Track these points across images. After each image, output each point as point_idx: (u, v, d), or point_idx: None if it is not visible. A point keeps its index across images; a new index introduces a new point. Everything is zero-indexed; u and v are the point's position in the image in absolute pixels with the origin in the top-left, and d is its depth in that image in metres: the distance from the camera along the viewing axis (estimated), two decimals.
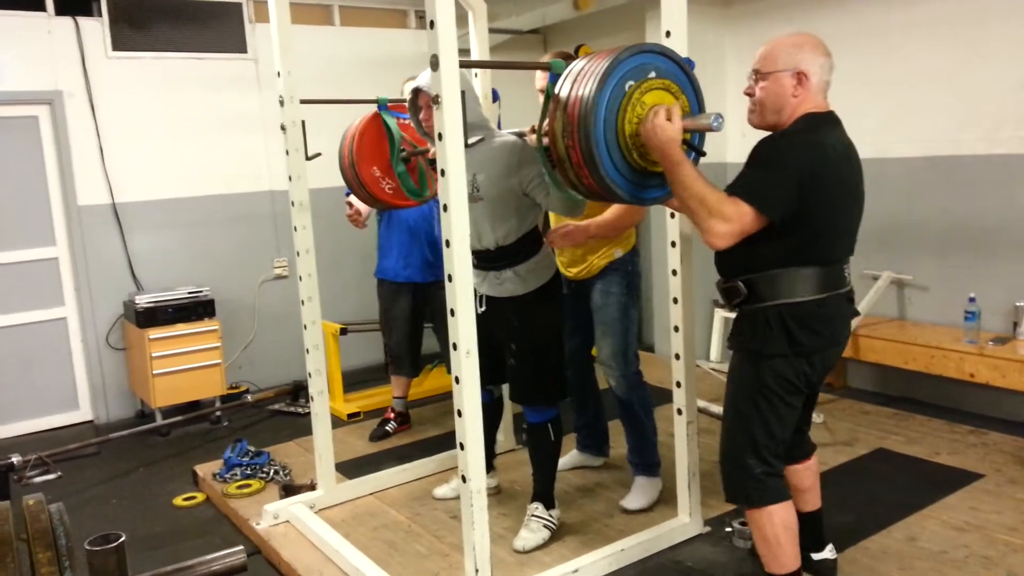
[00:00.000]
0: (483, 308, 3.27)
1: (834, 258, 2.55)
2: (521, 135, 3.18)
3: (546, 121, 2.62)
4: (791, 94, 2.51)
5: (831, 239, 2.53)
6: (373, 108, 3.95)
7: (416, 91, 3.15)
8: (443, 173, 2.37)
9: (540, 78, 3.53)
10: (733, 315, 2.72)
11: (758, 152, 2.50)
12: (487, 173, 3.09)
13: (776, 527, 2.56)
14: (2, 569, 1.29)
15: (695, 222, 2.47)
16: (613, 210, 3.34)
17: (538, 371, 3.30)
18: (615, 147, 2.49)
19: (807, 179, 2.39)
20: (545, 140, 2.82)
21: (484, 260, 3.22)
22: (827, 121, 2.53)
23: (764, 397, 2.54)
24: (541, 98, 3.47)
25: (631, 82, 2.49)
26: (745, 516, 2.70)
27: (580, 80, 2.50)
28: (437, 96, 2.31)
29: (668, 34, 2.94)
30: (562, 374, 3.38)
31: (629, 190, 2.57)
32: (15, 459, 4.10)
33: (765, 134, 2.59)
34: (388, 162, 4.00)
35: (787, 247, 2.46)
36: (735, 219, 2.37)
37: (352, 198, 4.29)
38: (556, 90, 2.58)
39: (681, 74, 2.62)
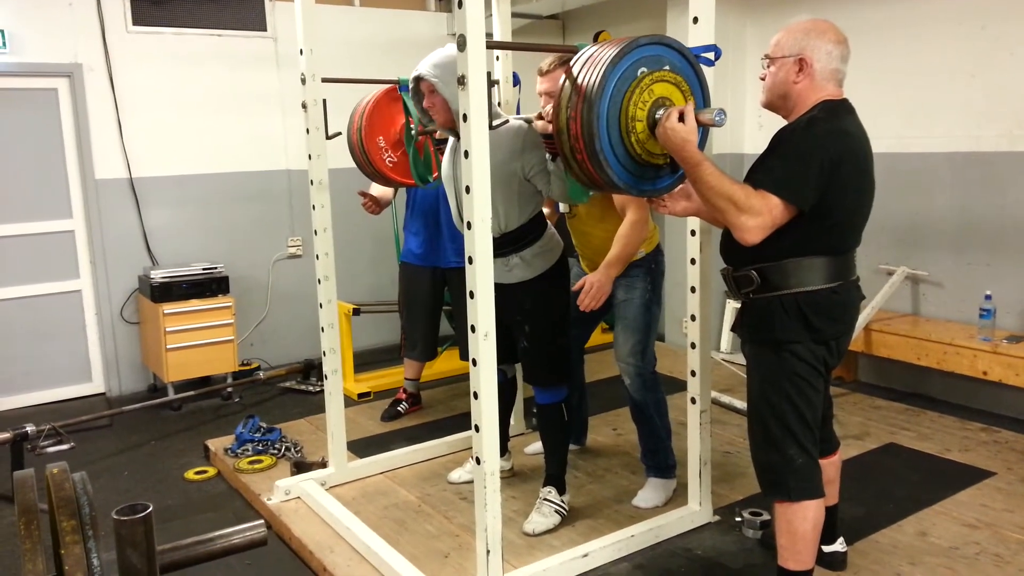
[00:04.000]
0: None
1: (847, 247, 2.55)
2: (528, 121, 3.17)
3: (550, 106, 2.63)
4: (792, 80, 2.51)
5: (847, 229, 2.52)
6: (379, 89, 3.95)
7: (417, 79, 3.09)
8: (467, 155, 2.36)
9: (539, 82, 3.51)
10: (738, 304, 2.70)
11: (780, 141, 2.48)
12: (492, 157, 3.06)
13: (807, 523, 2.52)
14: (27, 537, 1.29)
15: (724, 220, 2.45)
16: (619, 239, 3.32)
17: (551, 352, 3.32)
18: (615, 126, 2.48)
19: (831, 168, 2.37)
20: (540, 124, 2.82)
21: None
22: (844, 109, 2.51)
23: (792, 384, 2.51)
24: (541, 103, 3.48)
25: (644, 68, 2.49)
26: (775, 508, 2.63)
27: (594, 57, 2.50)
28: (463, 77, 2.30)
29: (695, 20, 2.92)
30: (565, 355, 3.39)
31: (637, 184, 2.59)
32: (29, 429, 4.12)
33: (781, 120, 2.59)
34: (394, 137, 4.02)
35: (804, 236, 2.44)
36: (765, 212, 2.36)
37: (372, 187, 4.31)
38: (571, 63, 2.57)
39: (694, 76, 2.63)
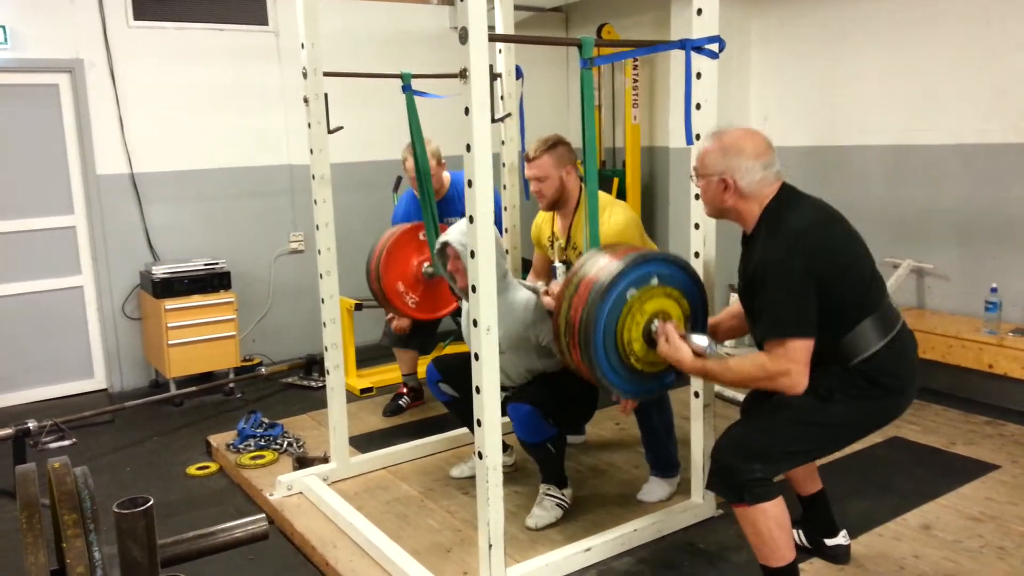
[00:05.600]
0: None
1: (879, 299, 2.55)
2: (535, 291, 3.29)
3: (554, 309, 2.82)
4: (721, 198, 2.59)
5: (864, 292, 2.52)
6: (397, 230, 4.18)
7: (444, 244, 3.26)
8: (468, 148, 2.35)
9: (527, 167, 3.50)
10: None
11: (765, 275, 2.47)
12: (504, 327, 3.09)
13: (769, 522, 2.50)
14: (29, 530, 1.29)
15: (766, 390, 2.53)
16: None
17: (556, 388, 3.29)
18: (613, 351, 2.66)
19: (808, 273, 2.40)
20: (548, 300, 3.12)
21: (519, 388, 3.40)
22: (784, 205, 2.54)
23: (821, 431, 2.52)
24: (531, 185, 3.50)
25: (633, 291, 2.64)
26: (734, 511, 2.59)
27: (586, 280, 2.66)
28: (465, 70, 2.29)
29: (699, 11, 2.90)
30: (567, 417, 3.36)
31: (623, 387, 2.76)
32: (31, 424, 4.12)
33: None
34: (413, 277, 4.27)
35: (836, 325, 2.46)
36: (791, 364, 2.40)
37: None
38: (565, 279, 2.79)
39: (685, 278, 2.78)
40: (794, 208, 2.54)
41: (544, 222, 3.78)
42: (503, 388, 3.22)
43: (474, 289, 2.42)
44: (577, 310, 2.64)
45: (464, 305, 3.49)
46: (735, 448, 2.55)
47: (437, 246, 3.33)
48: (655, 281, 2.68)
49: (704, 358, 2.62)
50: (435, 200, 3.81)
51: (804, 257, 2.41)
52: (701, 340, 2.63)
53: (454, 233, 3.23)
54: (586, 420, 3.67)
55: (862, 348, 2.47)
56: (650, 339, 2.69)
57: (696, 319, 2.81)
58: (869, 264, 2.57)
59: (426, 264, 4.21)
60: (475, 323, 2.44)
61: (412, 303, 4.27)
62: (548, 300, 3.20)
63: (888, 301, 2.59)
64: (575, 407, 3.39)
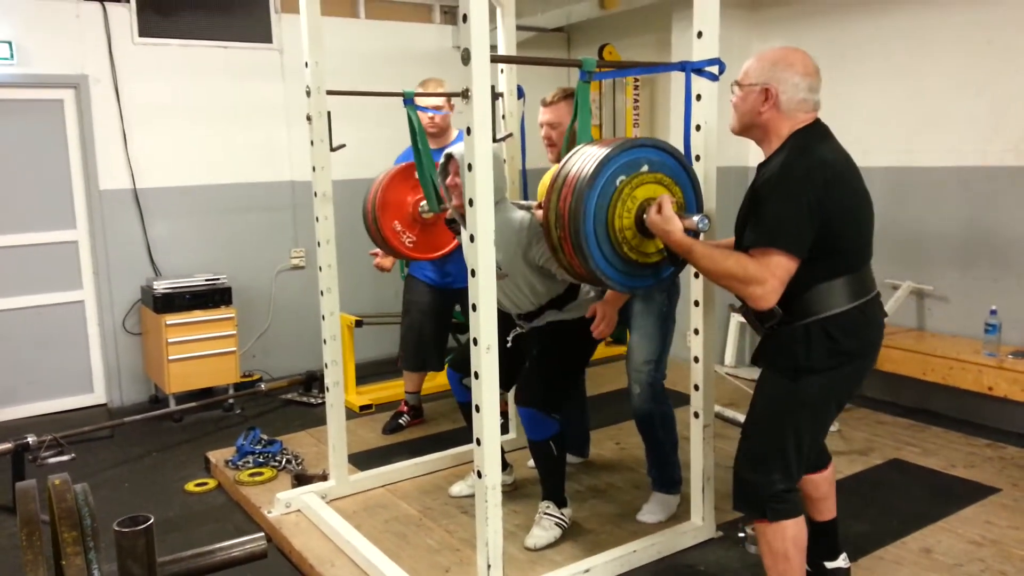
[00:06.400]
0: (510, 344, 3.41)
1: (862, 262, 2.54)
2: (528, 208, 3.25)
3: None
4: (758, 110, 2.52)
5: (857, 248, 2.51)
6: (395, 165, 4.10)
7: (449, 156, 3.23)
8: (470, 168, 2.36)
9: (542, 112, 3.55)
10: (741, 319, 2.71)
11: (764, 189, 2.46)
12: (503, 253, 3.11)
13: (787, 542, 2.51)
14: (29, 548, 1.29)
15: (735, 293, 2.47)
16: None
17: (554, 377, 3.33)
18: (605, 240, 2.59)
19: (819, 202, 2.36)
20: (541, 213, 2.93)
21: (527, 316, 3.40)
22: (818, 134, 2.51)
23: (801, 413, 2.51)
24: (542, 132, 3.51)
25: (622, 177, 2.57)
26: (754, 527, 2.65)
27: (573, 171, 2.59)
28: (467, 90, 2.30)
29: (700, 35, 2.92)
30: (566, 391, 3.40)
31: (620, 280, 2.68)
32: (30, 439, 4.12)
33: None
34: (409, 217, 4.19)
35: (818, 267, 2.42)
36: (768, 276, 2.36)
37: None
38: (555, 174, 2.69)
39: (676, 166, 2.71)
40: (825, 141, 2.51)
41: (551, 177, 3.74)
42: (516, 317, 3.41)
43: (474, 308, 2.42)
44: (566, 200, 2.56)
45: (463, 239, 3.42)
46: (750, 462, 2.56)
47: (442, 158, 3.27)
48: (645, 168, 2.61)
49: (695, 239, 2.54)
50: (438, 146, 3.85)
51: (822, 186, 2.37)
52: (694, 217, 2.56)
53: (460, 147, 3.12)
54: (577, 376, 3.66)
55: (830, 305, 2.44)
56: (643, 227, 2.60)
57: (689, 208, 2.74)
58: (870, 227, 2.55)
59: (422, 203, 4.08)
60: (475, 341, 2.44)
61: (409, 243, 4.19)
62: (540, 213, 3.07)
63: (869, 271, 2.56)
64: (567, 379, 3.42)
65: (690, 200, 2.75)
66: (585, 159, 2.59)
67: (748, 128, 2.59)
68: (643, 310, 3.48)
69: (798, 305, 2.45)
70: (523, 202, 3.37)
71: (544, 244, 3.06)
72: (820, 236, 2.38)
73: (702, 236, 2.59)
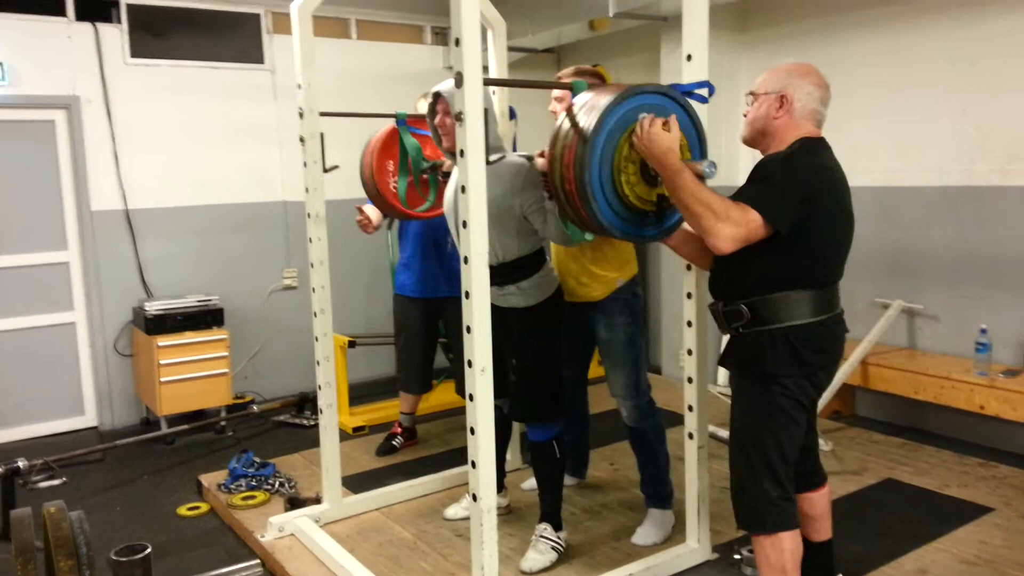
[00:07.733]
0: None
1: (832, 280, 2.61)
2: (530, 158, 3.20)
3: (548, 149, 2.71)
4: (773, 116, 2.58)
5: (830, 262, 2.59)
6: (392, 122, 3.98)
7: (437, 95, 3.17)
8: (463, 190, 2.37)
9: (553, 101, 3.56)
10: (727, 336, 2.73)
11: (761, 170, 2.54)
12: (490, 191, 3.08)
13: (784, 554, 2.56)
14: None
15: (700, 226, 2.46)
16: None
17: (539, 388, 3.31)
18: (609, 184, 2.58)
19: (811, 200, 2.44)
20: (542, 161, 2.86)
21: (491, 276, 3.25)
22: (822, 146, 2.59)
23: (775, 419, 2.55)
24: (550, 106, 3.56)
25: (645, 114, 2.56)
26: (752, 543, 2.68)
27: (581, 116, 2.57)
28: (460, 113, 2.31)
29: (689, 58, 2.94)
30: (560, 391, 3.38)
31: (622, 227, 2.66)
32: (21, 463, 4.09)
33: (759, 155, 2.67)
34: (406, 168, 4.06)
35: (790, 269, 2.50)
36: (742, 223, 2.40)
37: (366, 206, 4.31)
38: (559, 121, 2.65)
39: (684, 115, 2.71)
40: (825, 153, 2.58)
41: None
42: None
43: (468, 330, 2.42)
44: (573, 142, 2.56)
45: (448, 193, 3.36)
46: (743, 478, 2.62)
47: (430, 98, 3.19)
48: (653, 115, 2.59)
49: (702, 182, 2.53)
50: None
51: (815, 187, 2.45)
52: (703, 163, 2.56)
53: (447, 84, 3.11)
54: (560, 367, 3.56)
55: (795, 315, 2.50)
56: (648, 174, 2.61)
57: (693, 155, 2.74)
58: (847, 245, 2.62)
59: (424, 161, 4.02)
60: (470, 363, 2.44)
61: (393, 186, 4.11)
62: (541, 161, 3.05)
63: (836, 291, 2.62)
64: (551, 376, 3.35)
65: (694, 147, 2.76)
66: (596, 99, 2.59)
67: (759, 134, 2.65)
68: (608, 337, 3.49)
69: (765, 308, 2.52)
70: (524, 153, 3.32)
71: (536, 192, 3.06)
72: (799, 233, 2.44)
73: (708, 183, 2.58)
